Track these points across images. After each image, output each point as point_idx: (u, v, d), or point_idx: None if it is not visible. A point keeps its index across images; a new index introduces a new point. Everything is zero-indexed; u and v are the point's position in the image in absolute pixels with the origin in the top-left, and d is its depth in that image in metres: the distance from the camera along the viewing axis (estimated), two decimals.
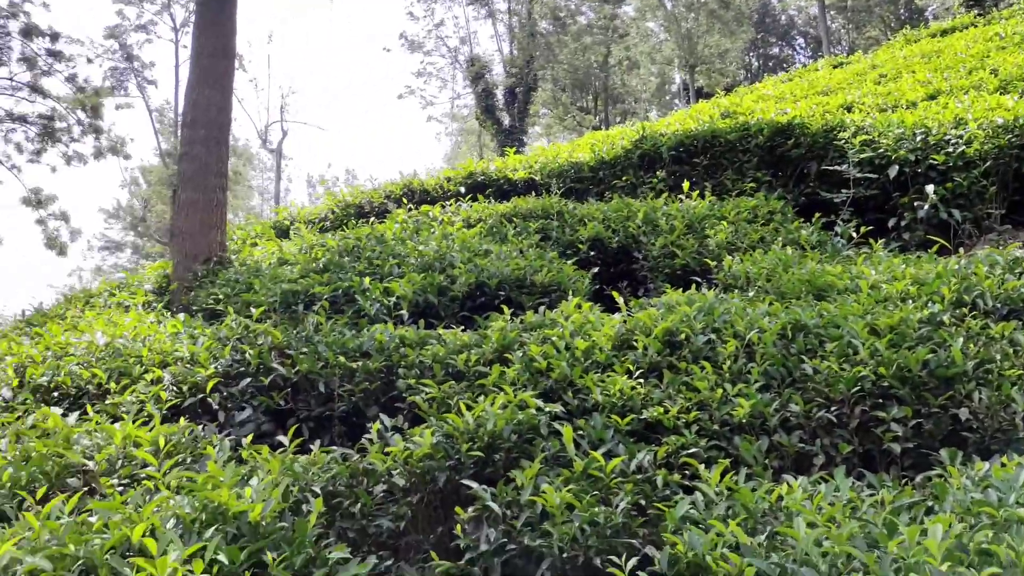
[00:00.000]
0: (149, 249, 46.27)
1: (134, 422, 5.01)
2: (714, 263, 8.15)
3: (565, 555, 3.68)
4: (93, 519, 3.54)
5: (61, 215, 28.02)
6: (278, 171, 54.34)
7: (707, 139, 11.77)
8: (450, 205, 11.48)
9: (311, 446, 4.91)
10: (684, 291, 6.63)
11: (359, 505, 4.36)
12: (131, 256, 50.44)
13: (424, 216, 11.02)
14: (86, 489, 4.19)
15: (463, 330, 6.48)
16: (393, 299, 7.42)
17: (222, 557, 3.27)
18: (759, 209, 9.59)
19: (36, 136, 27.10)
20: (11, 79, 26.67)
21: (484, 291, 7.68)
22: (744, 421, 4.67)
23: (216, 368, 6.12)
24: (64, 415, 5.14)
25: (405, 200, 12.88)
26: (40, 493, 4.03)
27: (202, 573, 3.14)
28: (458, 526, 4.04)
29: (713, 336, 5.54)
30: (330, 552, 3.67)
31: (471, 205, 11.23)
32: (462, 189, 13.00)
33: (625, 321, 5.95)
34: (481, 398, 5.03)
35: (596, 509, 3.79)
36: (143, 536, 3.26)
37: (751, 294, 6.77)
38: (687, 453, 4.44)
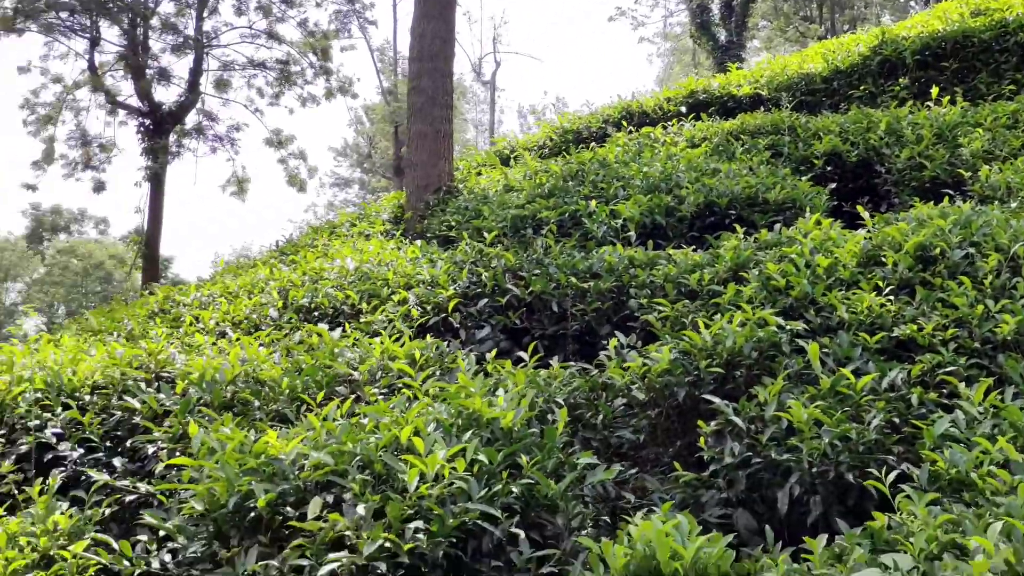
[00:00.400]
0: (375, 184, 48.78)
1: (389, 338, 5.43)
2: (968, 174, 7.49)
3: (814, 470, 3.61)
4: (364, 421, 3.90)
5: (299, 154, 29.98)
6: (492, 102, 55.20)
7: (957, 40, 10.76)
8: (672, 125, 11.24)
9: (549, 362, 5.11)
10: (935, 204, 6.17)
11: (600, 417, 4.51)
12: (358, 191, 53.34)
13: (645, 138, 10.88)
14: (353, 396, 4.60)
15: (693, 250, 6.41)
16: (619, 221, 7.45)
17: (481, 457, 3.51)
18: (1020, 114, 8.67)
19: (274, 80, 29.03)
20: (250, 27, 28.60)
21: (713, 210, 7.53)
22: (1009, 338, 4.34)
23: (455, 289, 6.47)
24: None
25: (624, 123, 12.74)
26: (319, 397, 4.47)
27: (464, 470, 3.39)
28: (701, 439, 4.07)
29: (971, 250, 5.15)
30: (577, 458, 3.84)
31: (694, 124, 10.96)
32: (683, 109, 12.67)
33: (870, 237, 5.65)
34: (716, 316, 4.98)
35: (847, 425, 3.68)
36: (410, 437, 3.55)
37: (1013, 205, 6.19)
38: (944, 371, 4.18)
